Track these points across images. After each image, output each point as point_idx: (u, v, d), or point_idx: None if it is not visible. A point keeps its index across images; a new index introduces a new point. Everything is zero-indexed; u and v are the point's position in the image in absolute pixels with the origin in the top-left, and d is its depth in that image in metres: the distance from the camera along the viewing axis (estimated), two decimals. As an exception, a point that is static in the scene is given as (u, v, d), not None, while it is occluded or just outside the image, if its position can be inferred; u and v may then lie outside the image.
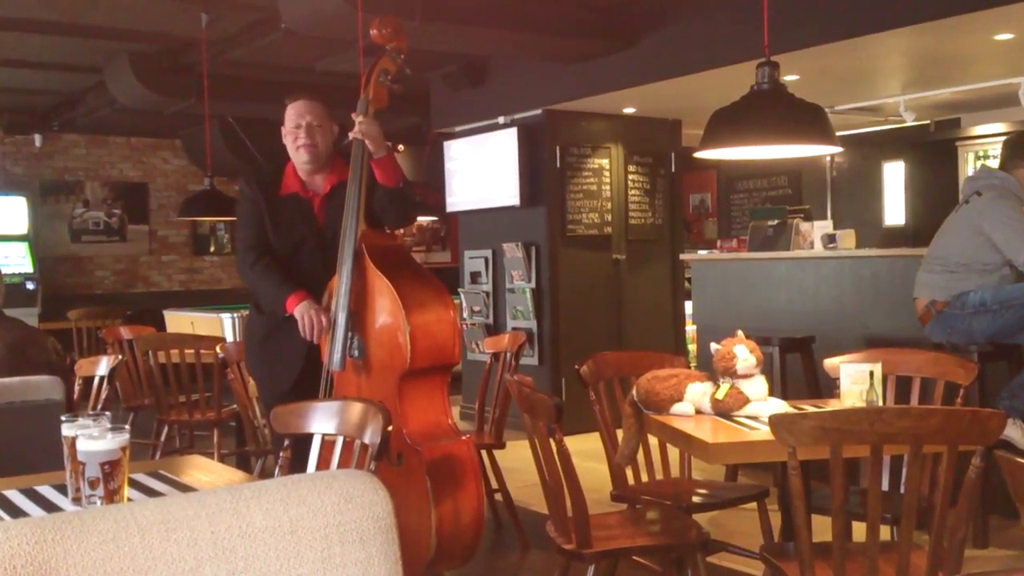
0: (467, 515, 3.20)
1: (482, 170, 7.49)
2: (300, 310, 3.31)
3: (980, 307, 4.10)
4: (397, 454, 3.09)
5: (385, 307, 3.22)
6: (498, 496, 4.50)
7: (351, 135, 3.33)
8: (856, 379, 2.87)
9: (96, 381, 3.66)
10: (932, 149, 8.34)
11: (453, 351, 3.31)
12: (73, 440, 1.92)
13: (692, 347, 7.26)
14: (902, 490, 2.92)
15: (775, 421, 2.16)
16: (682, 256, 7.36)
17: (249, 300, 3.68)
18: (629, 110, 7.25)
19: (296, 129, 3.45)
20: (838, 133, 3.43)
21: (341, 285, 3.28)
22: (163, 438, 5.45)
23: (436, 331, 3.23)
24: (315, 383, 3.34)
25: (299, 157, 3.47)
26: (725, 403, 2.82)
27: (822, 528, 2.46)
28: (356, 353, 3.28)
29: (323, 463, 2.38)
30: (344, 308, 3.26)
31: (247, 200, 3.55)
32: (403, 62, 3.44)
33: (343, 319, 3.26)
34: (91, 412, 2.41)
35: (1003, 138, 4.84)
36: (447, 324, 3.27)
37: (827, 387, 3.45)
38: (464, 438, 3.32)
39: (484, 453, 4.37)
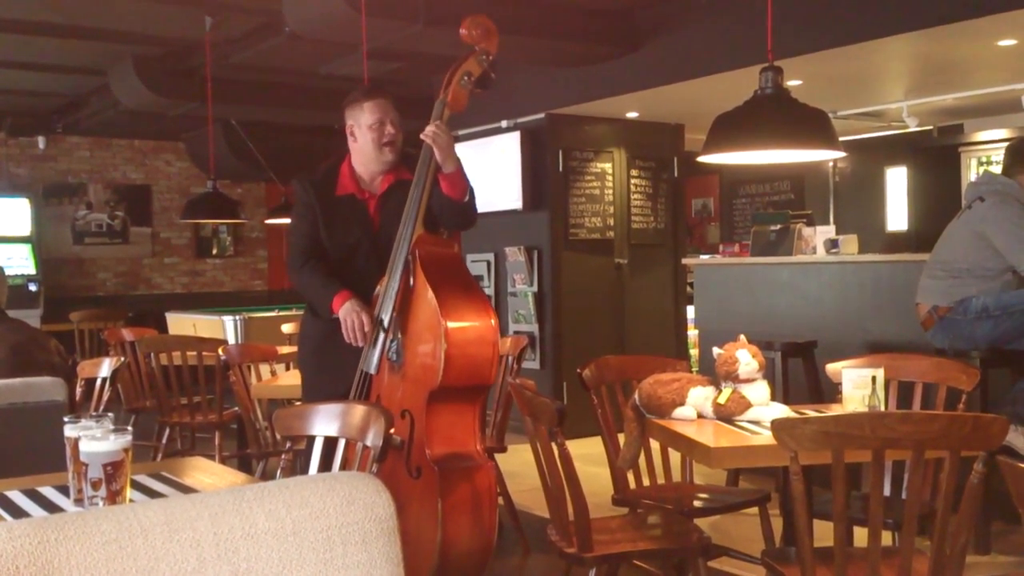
0: (476, 541, 3.11)
1: (485, 174, 7.49)
2: (344, 310, 3.27)
3: (982, 313, 4.09)
4: (416, 467, 3.05)
5: (426, 319, 3.11)
6: (500, 500, 4.50)
7: (422, 136, 3.22)
8: (858, 384, 2.87)
9: (98, 383, 3.66)
10: (935, 155, 8.34)
11: (489, 372, 3.13)
12: (76, 441, 1.92)
13: (694, 351, 7.25)
14: (903, 495, 2.92)
15: (777, 425, 2.16)
16: (684, 260, 7.36)
17: (304, 302, 3.64)
18: (632, 114, 7.26)
19: (381, 126, 3.39)
20: (841, 138, 3.43)
21: (390, 287, 3.21)
22: (164, 440, 5.45)
23: (474, 352, 3.08)
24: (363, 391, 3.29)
25: (382, 155, 3.41)
26: (727, 407, 2.82)
27: (823, 533, 2.46)
28: (394, 357, 3.19)
29: (347, 466, 2.36)
30: (388, 310, 3.19)
31: (302, 204, 3.50)
32: (489, 66, 3.32)
33: (387, 320, 3.20)
34: (93, 413, 2.41)
35: (1006, 144, 4.84)
36: (487, 345, 3.10)
37: (829, 392, 3.44)
38: (487, 465, 3.19)
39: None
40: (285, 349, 5.39)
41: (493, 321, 3.13)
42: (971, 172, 7.87)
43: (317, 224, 3.45)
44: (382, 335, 3.21)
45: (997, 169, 4.98)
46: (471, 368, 3.07)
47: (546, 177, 7.10)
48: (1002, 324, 4.06)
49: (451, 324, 3.02)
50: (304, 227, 3.48)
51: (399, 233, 3.22)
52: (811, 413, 2.90)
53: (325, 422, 2.41)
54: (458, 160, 3.28)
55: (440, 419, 3.10)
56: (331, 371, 3.43)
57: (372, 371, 3.24)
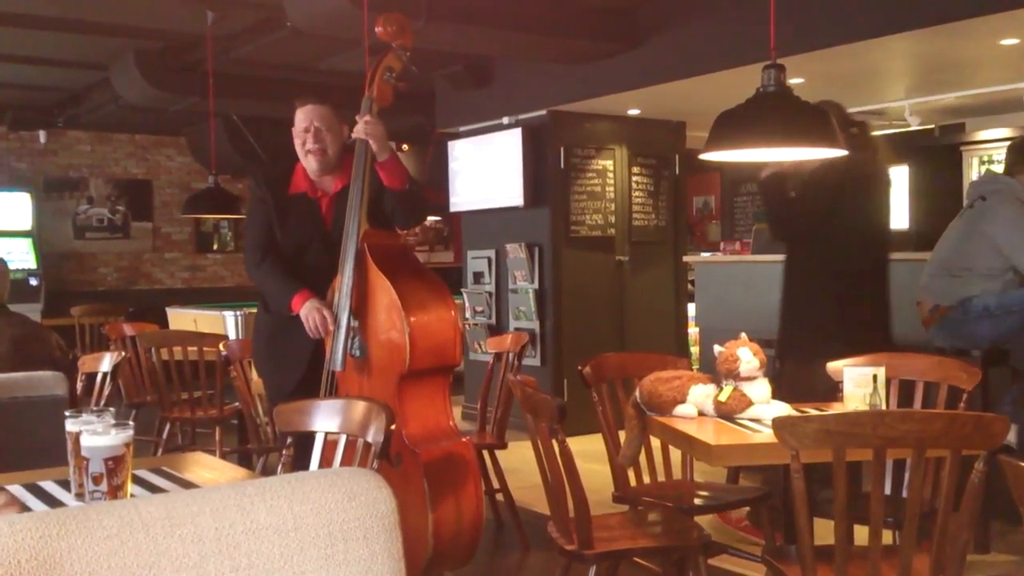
0: (466, 517, 3.19)
1: (486, 170, 7.49)
2: (305, 309, 3.32)
3: (983, 313, 4.09)
4: (396, 455, 3.09)
5: (385, 307, 3.21)
6: (499, 496, 4.50)
7: (354, 135, 3.32)
8: (859, 382, 2.87)
9: (99, 377, 3.66)
10: (937, 153, 8.33)
11: (454, 352, 3.29)
12: (77, 436, 1.92)
13: (695, 349, 7.25)
14: (903, 494, 2.92)
15: (778, 424, 2.16)
16: (685, 258, 7.36)
17: (258, 298, 3.68)
18: (634, 112, 7.25)
19: (305, 133, 3.44)
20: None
21: (343, 284, 3.27)
22: (165, 435, 5.45)
23: (436, 332, 3.22)
24: (320, 382, 3.34)
25: (308, 162, 3.47)
26: (728, 405, 2.82)
27: (823, 532, 2.46)
28: (357, 353, 3.27)
29: (325, 463, 2.38)
30: (345, 308, 3.25)
31: (256, 199, 3.55)
32: (408, 60, 3.42)
33: (344, 318, 3.26)
34: (94, 408, 2.41)
35: (1008, 143, 4.84)
36: (448, 324, 3.25)
37: (830, 390, 3.44)
38: (464, 440, 3.31)
39: (486, 453, 4.37)
40: (286, 345, 5.39)
41: (450, 302, 3.30)
42: (973, 171, 7.87)
43: (270, 219, 3.48)
44: (342, 332, 3.26)
45: (999, 168, 4.99)
46: (436, 349, 3.22)
47: (547, 174, 7.10)
48: (1003, 324, 4.06)
49: (411, 307, 3.15)
50: (258, 222, 3.52)
51: (345, 229, 3.28)
52: (812, 412, 2.90)
53: (326, 418, 2.41)
54: (392, 149, 3.35)
55: (412, 403, 3.20)
56: (285, 362, 3.49)
57: (338, 368, 3.29)
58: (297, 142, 3.48)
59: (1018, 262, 4.07)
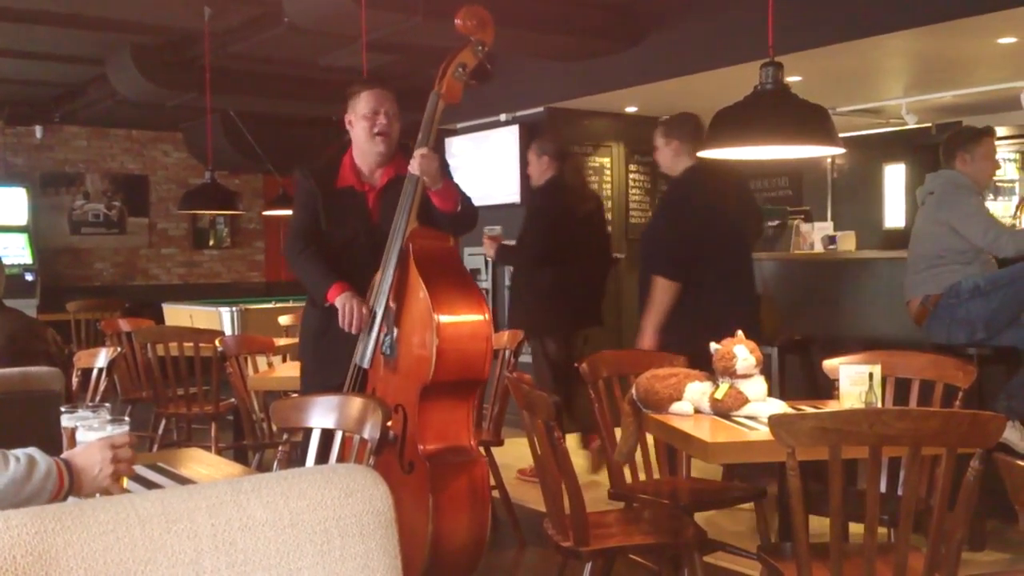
0: (467, 535, 3.12)
1: (483, 167, 7.48)
2: (341, 299, 3.25)
3: (975, 291, 4.19)
4: (409, 462, 3.06)
5: (419, 313, 3.10)
6: (495, 493, 4.50)
7: (409, 170, 3.22)
8: (855, 380, 2.87)
9: (95, 373, 3.66)
10: (933, 152, 8.29)
11: (482, 368, 3.12)
12: (73, 431, 1.92)
13: (691, 347, 7.25)
14: (899, 492, 2.93)
15: (775, 421, 2.16)
16: (682, 256, 7.34)
17: (304, 292, 3.63)
18: (631, 109, 7.25)
19: (375, 116, 3.37)
20: (839, 135, 3.44)
21: (383, 282, 3.21)
22: (161, 431, 5.44)
23: (466, 347, 3.07)
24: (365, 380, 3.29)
25: (374, 146, 3.40)
26: (724, 403, 2.82)
27: (819, 529, 2.46)
28: (388, 351, 3.19)
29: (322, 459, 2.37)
30: (382, 305, 3.19)
31: (303, 191, 3.50)
32: (484, 57, 3.28)
33: (379, 315, 3.20)
34: (90, 404, 2.41)
35: (1004, 141, 4.90)
36: (480, 340, 3.09)
37: (825, 388, 3.44)
38: (480, 460, 3.20)
39: (482, 450, 4.37)
40: (282, 341, 5.39)
41: (487, 316, 3.12)
42: (969, 170, 7.86)
43: (318, 212, 3.44)
44: (375, 329, 3.21)
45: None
46: (463, 363, 3.06)
47: (544, 171, 7.08)
48: (994, 300, 4.15)
49: (443, 319, 3.01)
50: (306, 214, 3.47)
51: (393, 226, 3.22)
52: (808, 409, 2.90)
53: (322, 414, 2.41)
54: (445, 176, 3.28)
55: (433, 414, 3.09)
56: (328, 362, 3.43)
57: (365, 365, 3.25)
58: (363, 125, 3.38)
59: (986, 246, 4.21)
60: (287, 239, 3.58)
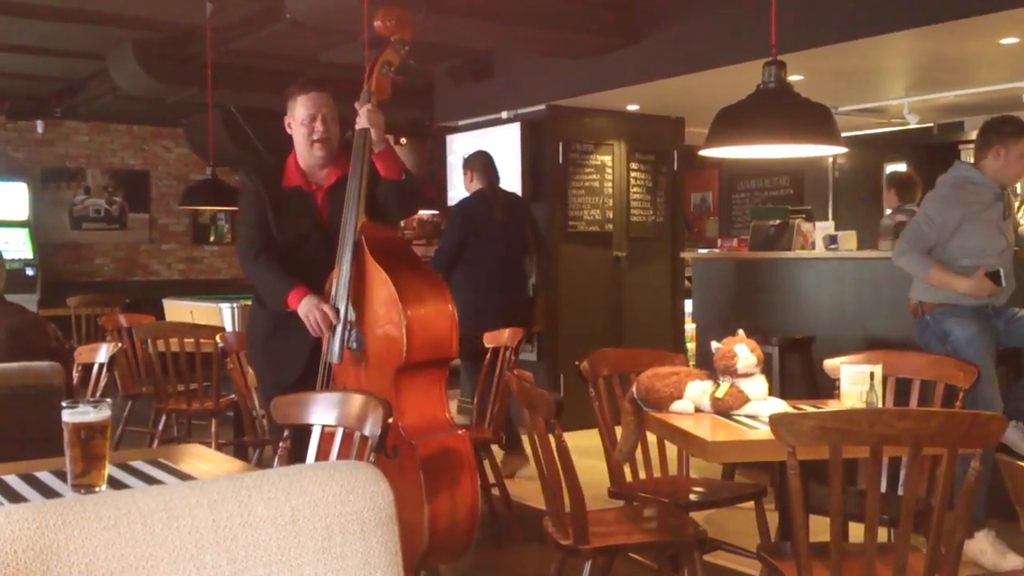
0: (461, 510, 3.18)
1: (484, 165, 7.47)
2: (304, 307, 3.27)
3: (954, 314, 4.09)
4: (392, 447, 3.09)
5: (382, 299, 3.20)
6: (495, 491, 4.50)
7: (357, 124, 3.30)
8: (856, 380, 2.87)
9: (95, 368, 3.66)
10: (935, 152, 8.33)
11: (450, 345, 3.28)
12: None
13: (691, 345, 7.25)
14: (899, 491, 2.93)
15: (775, 420, 2.16)
16: (683, 254, 7.35)
17: (252, 294, 3.66)
18: (633, 107, 7.25)
19: (312, 122, 3.39)
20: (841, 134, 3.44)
21: (340, 277, 3.26)
22: (161, 427, 5.44)
23: (433, 324, 3.21)
24: (316, 376, 3.33)
25: (313, 152, 3.42)
26: (725, 402, 2.82)
27: (819, 528, 2.46)
28: (354, 345, 3.25)
29: (322, 456, 2.38)
30: (343, 300, 3.24)
31: (248, 193, 3.51)
32: (407, 54, 3.41)
33: (342, 311, 3.25)
34: (91, 399, 2.41)
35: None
36: (445, 317, 3.25)
37: (826, 388, 3.45)
38: (460, 433, 3.30)
39: (482, 448, 4.38)
40: (282, 337, 5.38)
41: (447, 295, 3.29)
42: (971, 170, 7.86)
43: (265, 213, 3.44)
44: (339, 325, 3.26)
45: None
46: (433, 341, 3.21)
47: (546, 169, 7.09)
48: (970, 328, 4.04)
49: (408, 300, 3.14)
50: (252, 217, 3.47)
51: (343, 222, 3.27)
52: (808, 408, 2.90)
53: (323, 411, 2.41)
54: (387, 139, 3.35)
55: (409, 395, 3.19)
56: (279, 362, 3.47)
57: (335, 361, 3.28)
58: (301, 131, 3.42)
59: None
60: (239, 246, 3.58)
